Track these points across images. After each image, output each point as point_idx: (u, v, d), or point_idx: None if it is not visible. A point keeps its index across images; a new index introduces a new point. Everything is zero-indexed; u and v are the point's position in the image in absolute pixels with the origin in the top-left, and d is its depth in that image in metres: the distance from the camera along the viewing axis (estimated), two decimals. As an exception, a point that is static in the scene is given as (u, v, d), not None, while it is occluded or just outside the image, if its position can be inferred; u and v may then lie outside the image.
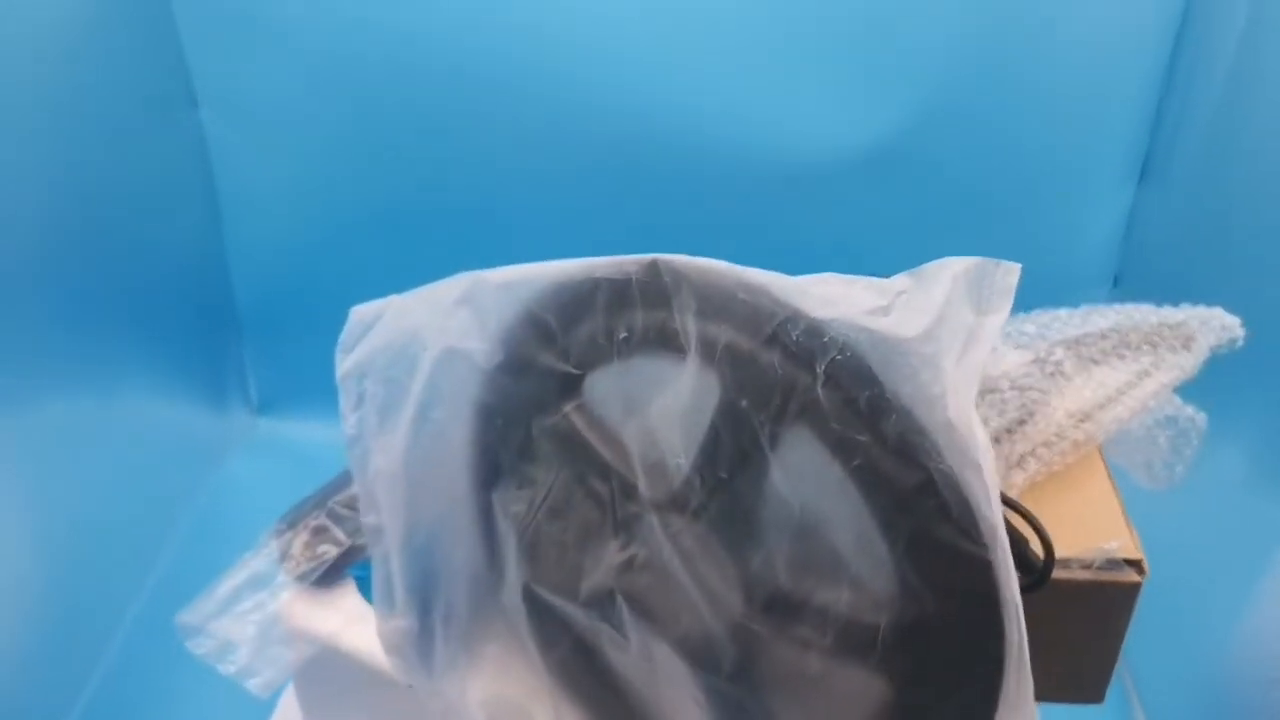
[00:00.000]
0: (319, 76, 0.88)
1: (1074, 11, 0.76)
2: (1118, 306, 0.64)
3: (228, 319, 0.98)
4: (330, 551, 0.62)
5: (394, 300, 0.52)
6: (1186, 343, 0.63)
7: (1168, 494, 0.63)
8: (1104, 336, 0.62)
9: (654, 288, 0.44)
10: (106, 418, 0.80)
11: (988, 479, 0.39)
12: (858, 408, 0.40)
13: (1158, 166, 0.82)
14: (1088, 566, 0.50)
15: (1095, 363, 0.60)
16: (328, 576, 0.62)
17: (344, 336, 0.53)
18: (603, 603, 0.49)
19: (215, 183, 0.94)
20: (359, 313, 0.53)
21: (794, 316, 0.41)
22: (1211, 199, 0.75)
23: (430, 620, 0.52)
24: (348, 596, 0.62)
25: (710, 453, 0.44)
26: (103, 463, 0.78)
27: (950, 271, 0.39)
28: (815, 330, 0.40)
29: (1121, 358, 0.61)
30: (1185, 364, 0.62)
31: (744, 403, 0.43)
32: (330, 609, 0.62)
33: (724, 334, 0.42)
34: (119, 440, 0.81)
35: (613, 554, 0.48)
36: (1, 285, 0.69)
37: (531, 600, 0.51)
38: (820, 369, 0.40)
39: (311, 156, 0.92)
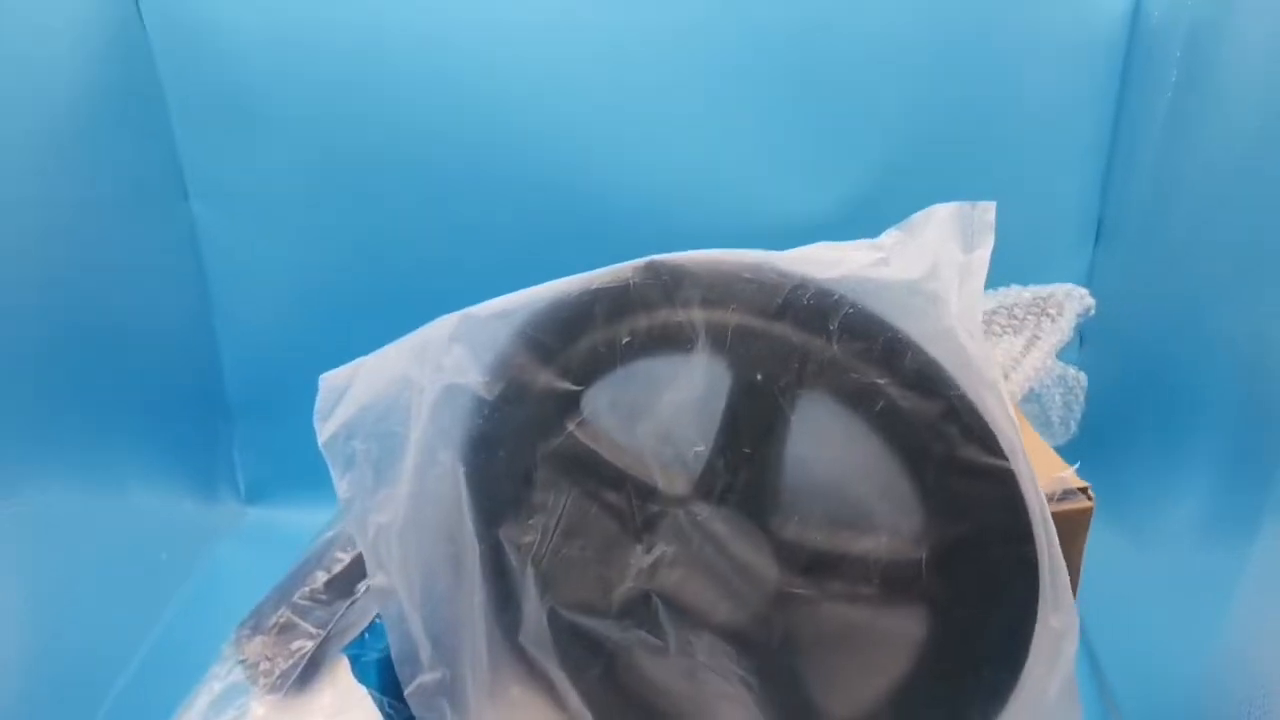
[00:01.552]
0: (310, 168, 0.89)
1: (1022, 74, 0.78)
2: (992, 291, 0.71)
3: (217, 408, 0.98)
4: (305, 645, 0.59)
5: (364, 361, 0.52)
6: (1059, 311, 0.71)
7: (1137, 527, 0.67)
8: (994, 314, 0.69)
9: (654, 288, 0.46)
10: (94, 505, 0.79)
11: (1004, 397, 0.43)
12: (875, 353, 0.43)
13: (1111, 226, 0.84)
14: (1051, 498, 0.55)
15: (996, 336, 0.67)
16: (303, 676, 0.59)
17: (319, 405, 0.52)
18: (636, 610, 0.50)
19: (206, 273, 0.94)
20: (330, 379, 0.52)
21: (802, 283, 0.44)
22: (1164, 253, 0.76)
23: (461, 669, 0.51)
24: (322, 694, 0.60)
25: (731, 433, 0.46)
26: (88, 550, 0.77)
27: (936, 218, 0.44)
28: (824, 292, 0.44)
29: (1014, 330, 0.68)
30: (1062, 328, 0.69)
31: (759, 377, 0.45)
32: (306, 714, 0.59)
33: (733, 316, 0.45)
34: (106, 527, 0.80)
35: (639, 559, 0.49)
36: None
37: (558, 628, 0.51)
38: (834, 325, 0.43)
39: (302, 247, 0.92)
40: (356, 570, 0.64)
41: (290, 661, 0.58)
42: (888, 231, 0.46)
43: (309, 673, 0.59)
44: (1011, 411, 0.43)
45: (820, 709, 0.49)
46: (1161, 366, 0.74)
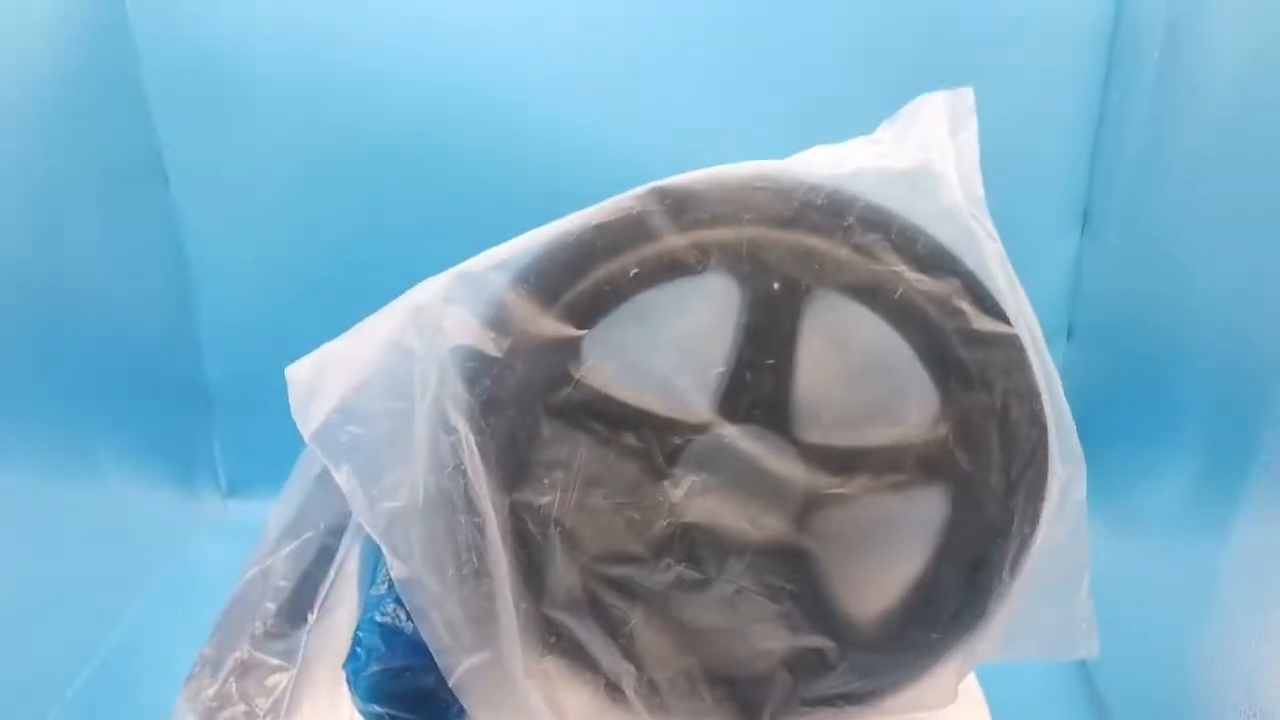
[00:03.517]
0: (294, 153, 0.86)
1: (1004, 62, 0.79)
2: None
3: (198, 399, 0.96)
4: (281, 679, 0.54)
5: (328, 347, 0.49)
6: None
7: (1124, 517, 0.69)
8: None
9: (660, 214, 0.46)
10: (70, 494, 0.78)
11: (1007, 266, 0.46)
12: (889, 241, 0.46)
13: (1097, 215, 0.83)
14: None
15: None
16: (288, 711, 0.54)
17: (293, 400, 0.48)
18: (671, 547, 0.49)
19: (186, 261, 0.91)
20: (296, 371, 0.49)
21: (814, 186, 0.46)
22: (1150, 241, 0.75)
23: (504, 647, 0.48)
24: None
25: (753, 346, 0.47)
26: (61, 538, 0.76)
27: (926, 108, 0.47)
28: (836, 190, 0.46)
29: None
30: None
31: (776, 285, 0.46)
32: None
33: (749, 228, 0.46)
34: (81, 517, 0.79)
35: (669, 494, 0.49)
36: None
37: (591, 586, 0.50)
38: (849, 221, 0.45)
39: (285, 234, 0.89)
40: (306, 593, 0.59)
41: (273, 697, 0.53)
42: (881, 126, 0.48)
43: (291, 707, 0.53)
44: (1014, 279, 0.47)
45: (851, 611, 0.51)
46: (1147, 356, 0.74)
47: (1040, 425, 0.48)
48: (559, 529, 0.49)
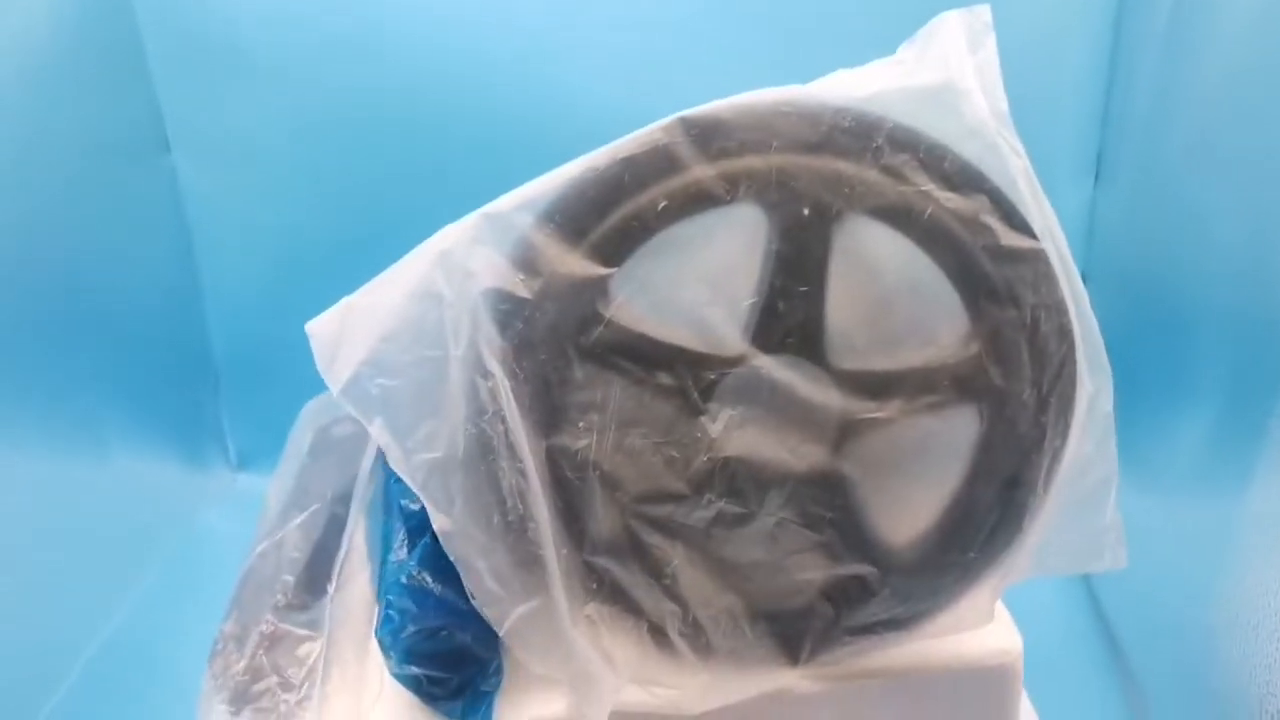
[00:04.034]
0: (296, 119, 0.85)
1: (1015, 9, 0.77)
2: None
3: (204, 371, 0.95)
4: (313, 648, 0.53)
5: (349, 300, 0.48)
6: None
7: (1142, 470, 0.68)
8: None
9: (686, 145, 0.45)
10: (75, 467, 0.78)
11: (1033, 180, 0.47)
12: (918, 160, 0.46)
13: (1109, 162, 0.82)
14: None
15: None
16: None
17: (318, 356, 0.47)
18: (712, 482, 0.49)
19: (189, 229, 0.90)
20: (318, 325, 0.47)
21: (841, 109, 0.45)
22: (1163, 187, 0.73)
23: (553, 593, 0.47)
24: (345, 692, 0.53)
25: (786, 274, 0.46)
26: (69, 512, 0.76)
27: (944, 26, 0.47)
28: (863, 112, 0.45)
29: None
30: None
31: (806, 211, 0.46)
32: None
33: (778, 154, 0.45)
34: (88, 490, 0.79)
35: (706, 429, 0.48)
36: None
37: (632, 527, 0.49)
38: (879, 143, 0.45)
39: (289, 201, 0.88)
40: (323, 563, 0.57)
41: (306, 666, 0.51)
42: (902, 46, 0.48)
43: (323, 675, 0.52)
44: (1040, 193, 0.47)
45: (891, 536, 0.51)
46: (1163, 305, 0.74)
47: (1068, 339, 0.49)
48: (597, 472, 0.48)
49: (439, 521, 0.46)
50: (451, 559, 0.47)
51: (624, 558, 0.49)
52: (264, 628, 0.53)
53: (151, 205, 0.88)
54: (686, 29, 0.81)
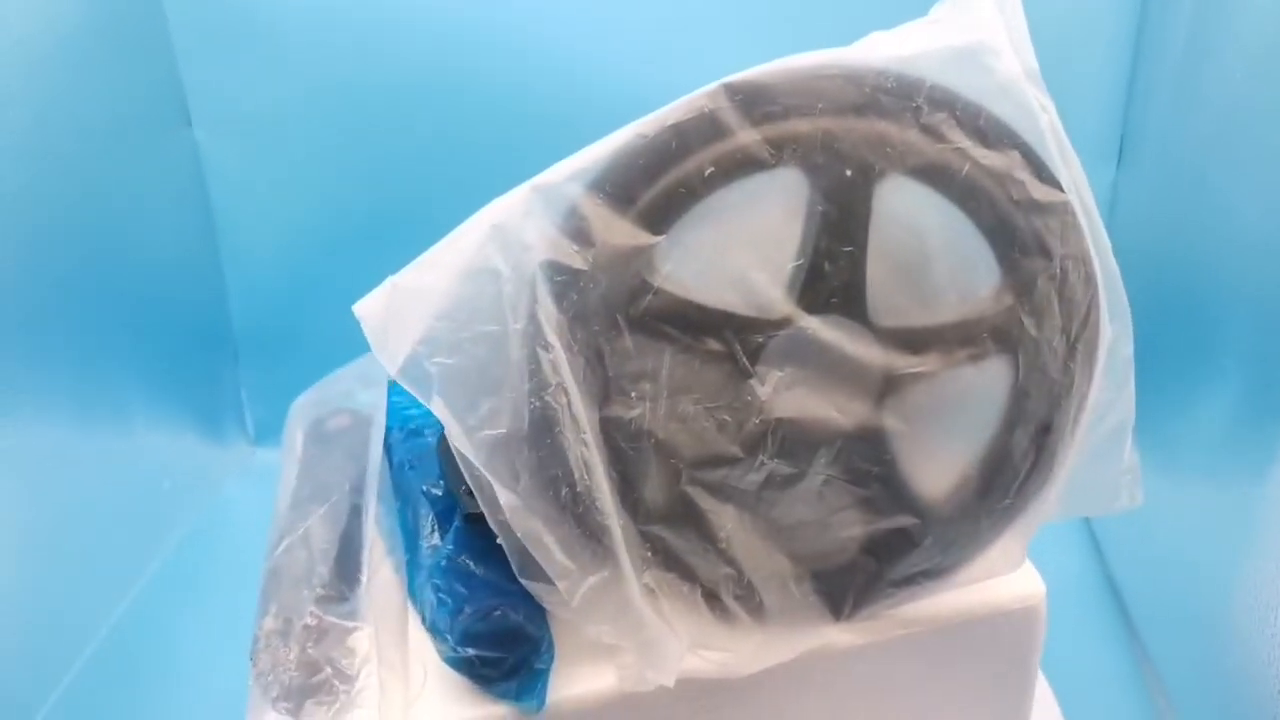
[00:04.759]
0: (317, 93, 0.86)
1: None
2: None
3: (224, 344, 0.95)
4: (361, 639, 0.52)
5: (395, 280, 0.47)
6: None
7: (1164, 453, 0.67)
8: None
9: (731, 111, 0.46)
10: (95, 438, 0.79)
11: (1060, 134, 0.48)
12: (955, 118, 0.47)
13: (1132, 145, 0.83)
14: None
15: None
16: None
17: (370, 336, 0.46)
18: (764, 443, 0.49)
19: (210, 203, 0.89)
20: (366, 307, 0.46)
21: (882, 70, 0.46)
22: (1185, 172, 0.73)
23: (620, 564, 0.47)
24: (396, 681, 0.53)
25: (831, 235, 0.47)
26: (89, 482, 0.77)
27: (970, -14, 0.48)
28: (903, 73, 0.46)
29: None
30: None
31: (849, 173, 0.47)
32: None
33: (823, 117, 0.46)
34: (108, 461, 0.79)
35: (756, 392, 0.49)
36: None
37: (689, 494, 0.49)
38: (919, 101, 0.46)
39: (310, 175, 0.88)
40: (352, 554, 0.56)
41: (359, 656, 0.50)
42: (935, 7, 0.49)
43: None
44: (1066, 144, 0.49)
45: (932, 486, 0.52)
46: (1185, 289, 0.74)
47: (1093, 286, 0.51)
48: (652, 440, 0.48)
49: (505, 498, 0.46)
50: (519, 534, 0.46)
51: (678, 525, 0.50)
52: (309, 620, 0.52)
53: (173, 179, 0.87)
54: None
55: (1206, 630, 0.65)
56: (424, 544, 0.57)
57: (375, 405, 0.67)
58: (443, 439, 0.63)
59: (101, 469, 0.78)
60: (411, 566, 0.58)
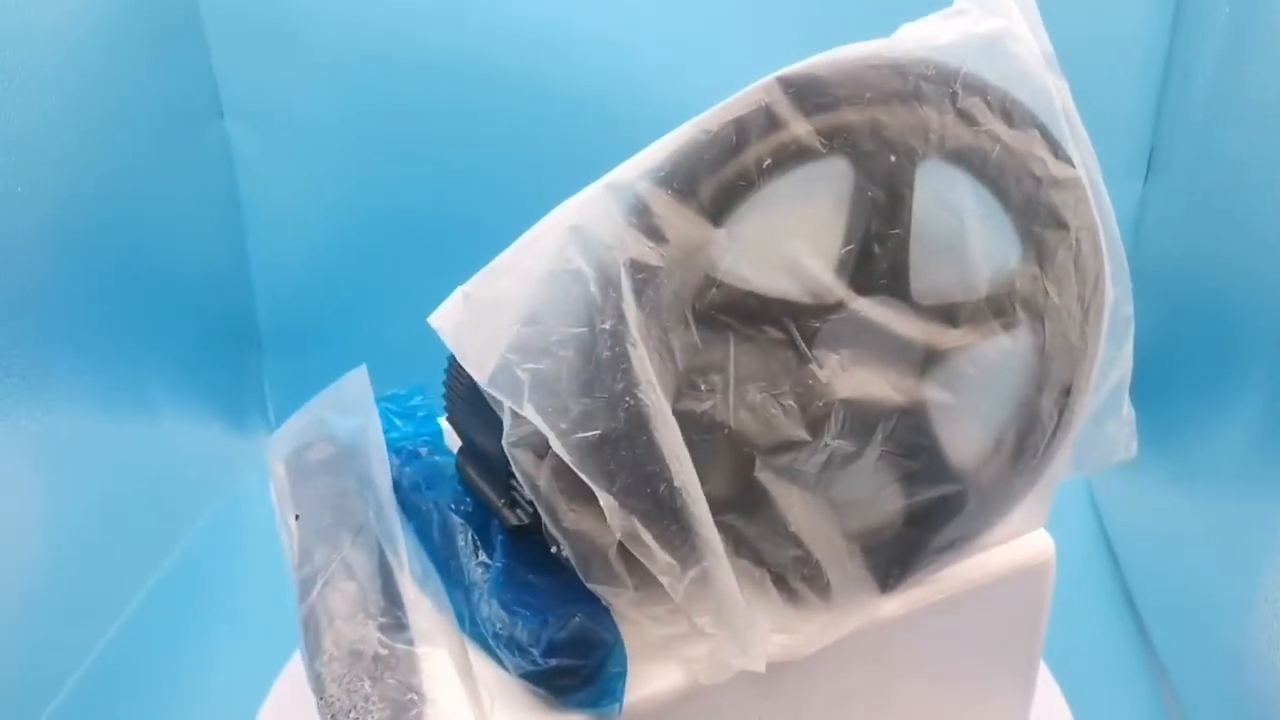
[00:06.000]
0: (349, 88, 0.85)
1: (1069, 6, 0.71)
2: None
3: (249, 336, 0.97)
4: (433, 664, 0.51)
5: (467, 289, 0.46)
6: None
7: (1185, 467, 0.67)
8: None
9: (787, 103, 0.47)
10: (121, 426, 0.80)
11: (1074, 114, 0.52)
12: (985, 102, 0.50)
13: (1161, 160, 0.83)
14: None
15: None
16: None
17: (458, 348, 0.45)
18: (827, 425, 0.51)
19: (239, 195, 0.88)
20: (443, 319, 0.46)
21: (922, 59, 0.49)
22: (1214, 186, 0.73)
23: (716, 557, 0.48)
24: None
25: (880, 219, 0.49)
26: (118, 474, 0.78)
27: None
28: (941, 61, 0.49)
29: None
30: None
31: (893, 158, 0.49)
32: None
33: (871, 106, 0.48)
34: (136, 454, 0.81)
35: (817, 375, 0.50)
36: (25, 294, 0.70)
37: (755, 475, 0.50)
38: (955, 87, 0.49)
39: (339, 169, 0.86)
40: (390, 582, 0.55)
41: (436, 680, 0.49)
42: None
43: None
44: (1076, 121, 0.52)
45: (973, 452, 0.55)
46: (1210, 304, 0.73)
47: (1100, 253, 0.55)
48: (725, 431, 0.49)
49: (604, 500, 0.46)
50: (620, 535, 0.46)
51: (749, 511, 0.51)
52: (380, 650, 0.50)
53: (204, 171, 0.87)
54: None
55: (1224, 646, 0.66)
56: (468, 562, 0.56)
57: (358, 430, 0.65)
58: (461, 458, 0.62)
59: (126, 457, 0.79)
60: (452, 586, 0.56)
